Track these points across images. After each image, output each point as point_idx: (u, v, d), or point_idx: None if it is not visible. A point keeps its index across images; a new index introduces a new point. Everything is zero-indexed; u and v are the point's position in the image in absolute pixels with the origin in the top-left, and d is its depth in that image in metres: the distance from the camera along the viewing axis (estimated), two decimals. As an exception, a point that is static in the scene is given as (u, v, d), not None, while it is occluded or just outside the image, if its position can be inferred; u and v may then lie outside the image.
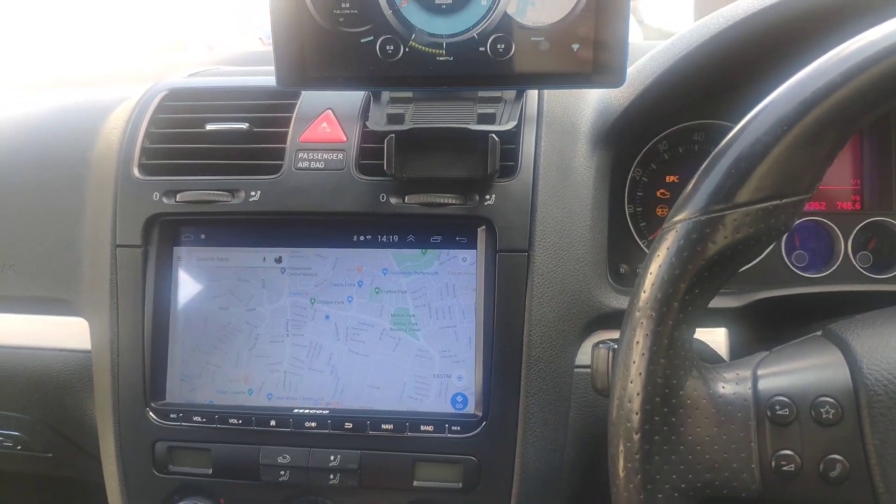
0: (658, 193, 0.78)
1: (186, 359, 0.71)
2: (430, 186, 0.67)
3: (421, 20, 0.61)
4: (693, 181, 0.43)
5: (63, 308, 0.76)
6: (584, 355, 0.68)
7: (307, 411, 0.68)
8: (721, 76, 0.72)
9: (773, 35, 0.68)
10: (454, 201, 0.67)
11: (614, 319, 0.68)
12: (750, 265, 0.73)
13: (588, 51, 0.61)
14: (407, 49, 0.62)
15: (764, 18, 0.67)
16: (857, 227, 0.75)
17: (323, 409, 0.68)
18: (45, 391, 0.77)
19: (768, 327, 0.70)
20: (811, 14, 0.67)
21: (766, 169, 0.41)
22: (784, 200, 0.41)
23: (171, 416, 0.69)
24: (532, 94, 0.72)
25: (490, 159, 0.65)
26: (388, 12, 0.61)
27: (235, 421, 0.68)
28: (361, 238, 0.70)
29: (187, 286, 0.71)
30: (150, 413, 0.70)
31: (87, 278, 0.74)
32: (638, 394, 0.42)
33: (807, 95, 0.41)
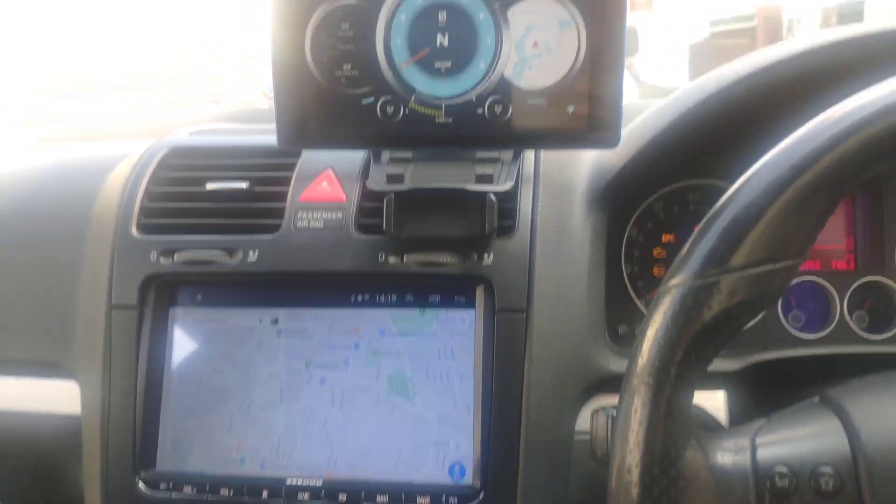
0: (655, 253, 0.78)
1: (178, 424, 0.69)
2: (428, 246, 0.67)
3: (421, 82, 0.62)
4: (687, 245, 0.43)
5: (54, 371, 0.74)
6: (583, 421, 0.67)
7: (300, 482, 0.66)
8: (714, 137, 0.73)
9: (766, 96, 0.69)
10: (453, 260, 0.67)
11: (614, 383, 0.67)
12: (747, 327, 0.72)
13: (583, 112, 0.61)
14: (407, 110, 0.63)
15: (756, 81, 0.68)
16: (852, 287, 0.75)
17: (317, 480, 0.66)
18: (32, 458, 0.75)
19: (767, 389, 0.69)
20: (802, 77, 0.68)
21: (759, 233, 0.41)
22: (778, 265, 0.41)
23: (161, 485, 0.67)
24: (529, 155, 0.73)
25: (488, 218, 0.65)
26: (388, 74, 0.62)
27: (226, 492, 0.66)
28: (359, 298, 0.69)
29: (182, 348, 0.70)
30: (140, 483, 0.68)
31: (81, 340, 0.73)
32: (636, 465, 0.41)
33: (797, 160, 0.41)
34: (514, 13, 0.60)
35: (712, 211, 0.43)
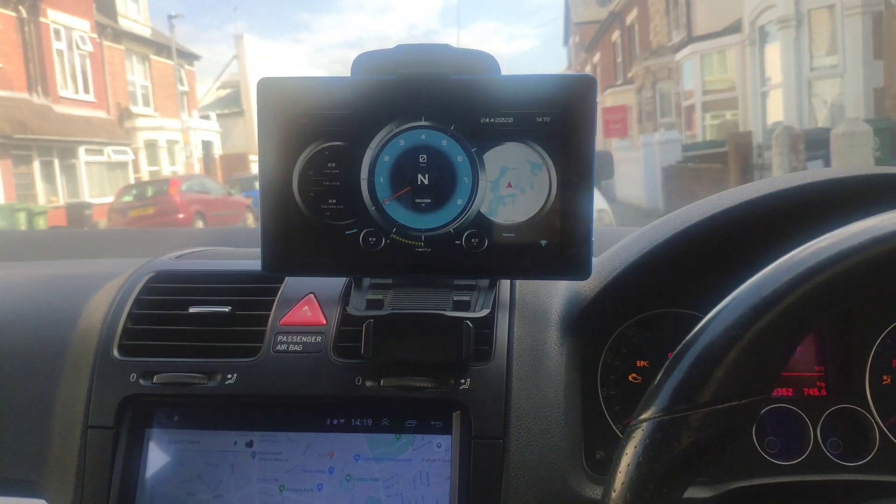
0: (630, 377, 0.79)
1: None
2: (406, 371, 0.68)
3: (401, 216, 0.66)
4: (657, 380, 0.45)
5: (26, 489, 0.73)
6: None
7: None
8: (684, 269, 0.76)
9: (734, 234, 0.73)
10: (429, 385, 0.67)
11: None
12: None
13: (555, 247, 0.65)
14: (388, 241, 0.66)
15: (724, 220, 0.72)
16: (825, 414, 0.76)
17: None
18: None
19: None
20: (765, 218, 0.72)
21: (723, 371, 0.43)
22: (743, 401, 0.43)
23: None
24: (505, 283, 0.75)
25: (465, 344, 0.67)
26: (371, 209, 0.66)
27: None
28: (335, 422, 0.69)
29: (156, 469, 0.70)
30: None
31: (54, 459, 0.72)
32: None
33: (757, 301, 0.44)
34: (489, 156, 0.65)
35: (680, 347, 0.45)
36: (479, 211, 0.65)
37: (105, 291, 0.80)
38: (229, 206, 13.28)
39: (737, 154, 10.38)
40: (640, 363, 0.80)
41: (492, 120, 0.64)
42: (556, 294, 0.76)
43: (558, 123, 0.63)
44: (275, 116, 0.66)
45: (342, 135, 0.65)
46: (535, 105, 0.63)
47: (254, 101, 0.67)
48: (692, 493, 0.68)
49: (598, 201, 0.75)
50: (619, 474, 0.43)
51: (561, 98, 0.63)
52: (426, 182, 0.65)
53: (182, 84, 20.43)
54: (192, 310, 0.75)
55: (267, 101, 0.66)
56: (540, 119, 0.63)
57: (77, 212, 13.01)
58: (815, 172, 0.73)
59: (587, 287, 0.75)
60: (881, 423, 0.76)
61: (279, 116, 0.65)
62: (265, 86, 0.66)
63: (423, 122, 0.64)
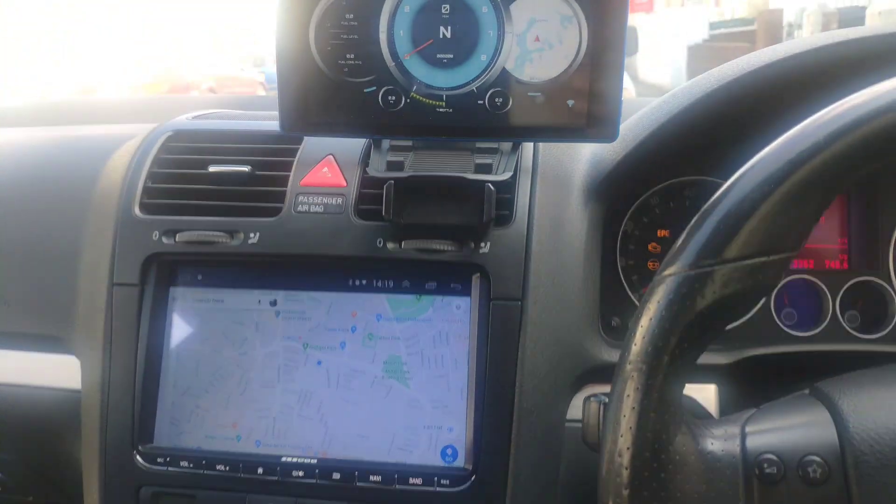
0: (650, 247, 0.79)
1: (176, 401, 0.70)
2: (426, 233, 0.68)
3: (422, 73, 0.63)
4: (683, 236, 0.44)
5: (55, 346, 0.75)
6: (575, 409, 0.68)
7: (295, 460, 0.67)
8: (711, 134, 0.74)
9: (762, 96, 0.71)
10: (450, 248, 0.67)
11: (606, 373, 0.68)
12: (740, 322, 0.74)
13: (583, 107, 0.63)
14: (408, 100, 0.64)
15: (753, 80, 0.70)
16: (845, 287, 0.76)
17: (311, 458, 0.67)
18: (32, 430, 0.76)
19: (758, 384, 0.70)
20: (798, 77, 0.69)
21: (753, 226, 0.42)
22: (771, 257, 0.42)
23: (158, 460, 0.68)
24: (528, 147, 0.74)
25: (486, 207, 0.66)
26: (391, 64, 0.63)
27: (223, 468, 0.67)
28: (357, 283, 0.70)
29: (181, 327, 0.71)
30: (137, 457, 0.69)
31: (82, 316, 0.74)
32: (628, 448, 0.42)
33: (793, 156, 0.42)
34: (516, 7, 0.61)
35: (708, 203, 0.44)
36: (503, 68, 0.62)
37: (124, 151, 0.80)
38: (242, 83, 13.08)
39: (766, 33, 9.95)
40: (661, 233, 0.79)
41: None
42: (580, 159, 0.75)
43: None
44: None
45: None
46: None
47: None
48: (708, 359, 0.69)
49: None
50: (640, 328, 0.43)
51: None
52: (448, 35, 0.62)
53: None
54: (211, 169, 0.74)
55: None
56: None
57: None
58: (850, 31, 0.69)
59: (610, 153, 0.74)
60: None
61: None
62: None
63: None
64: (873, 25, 0.70)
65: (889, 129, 0.41)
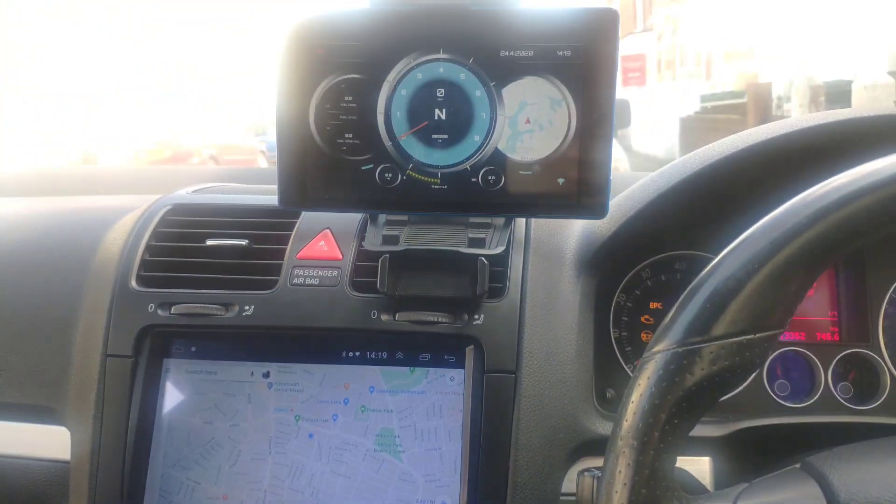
0: (642, 319, 0.80)
1: (166, 473, 0.70)
2: (420, 305, 0.69)
3: (418, 152, 0.65)
4: (671, 313, 0.45)
5: (45, 416, 0.75)
6: (570, 482, 0.67)
7: None
8: (699, 211, 0.76)
9: (746, 176, 0.73)
10: (444, 320, 0.68)
11: (601, 445, 0.67)
12: (732, 394, 0.74)
13: (572, 185, 0.64)
14: (404, 177, 0.66)
15: (736, 161, 0.72)
16: (836, 358, 0.77)
17: None
18: (19, 502, 0.75)
19: (752, 456, 0.70)
20: (780, 158, 0.71)
21: (739, 304, 0.43)
22: (758, 335, 0.43)
23: None
24: (520, 221, 0.76)
25: (479, 280, 0.67)
26: (388, 144, 0.66)
27: None
28: (350, 354, 0.70)
29: (173, 399, 0.71)
30: None
31: (74, 387, 0.74)
32: None
33: (776, 236, 0.43)
34: (508, 91, 0.64)
35: (695, 281, 0.45)
36: (496, 147, 0.65)
37: (123, 223, 0.81)
38: (243, 151, 13.27)
39: (756, 105, 10.20)
40: (653, 305, 0.80)
41: (512, 53, 0.63)
42: (571, 233, 0.76)
43: (579, 57, 0.62)
44: (291, 46, 0.65)
45: (359, 67, 0.64)
46: (556, 38, 0.62)
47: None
48: (701, 431, 0.69)
49: (614, 150, 0.73)
50: (630, 404, 0.44)
51: (582, 31, 0.62)
52: (443, 117, 0.64)
53: None
54: (209, 242, 0.76)
55: (284, 31, 0.65)
56: (560, 53, 0.62)
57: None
58: (835, 113, 0.72)
59: (601, 227, 0.75)
60: (893, 368, 0.77)
61: (296, 46, 0.65)
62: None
63: (441, 55, 0.63)
64: (842, 111, 0.72)
65: (869, 210, 0.42)
